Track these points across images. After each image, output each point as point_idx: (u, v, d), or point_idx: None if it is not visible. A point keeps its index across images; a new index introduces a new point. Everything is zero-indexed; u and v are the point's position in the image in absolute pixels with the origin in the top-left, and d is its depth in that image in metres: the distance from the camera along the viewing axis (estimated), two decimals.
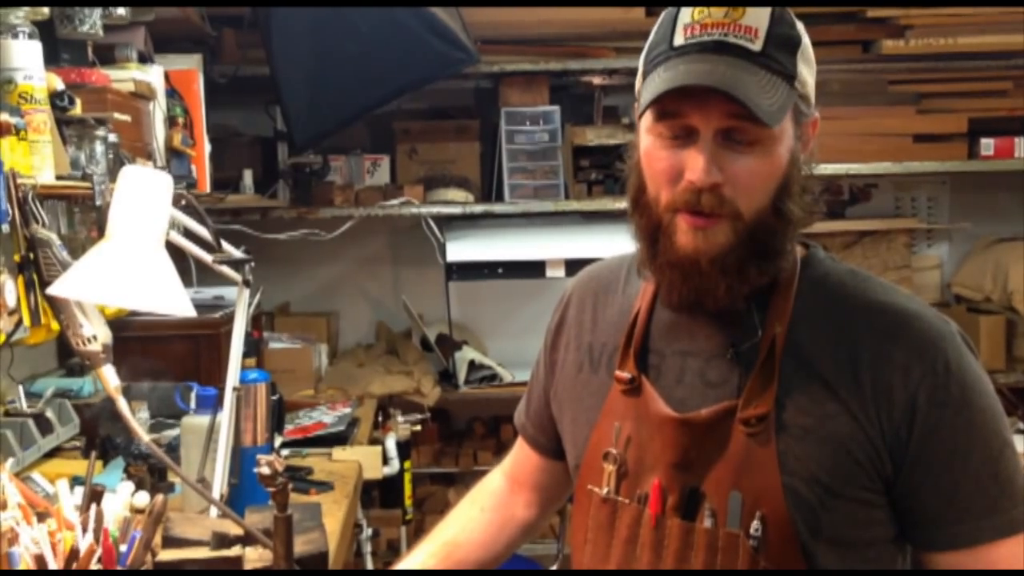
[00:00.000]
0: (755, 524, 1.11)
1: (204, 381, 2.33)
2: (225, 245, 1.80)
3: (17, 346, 2.11)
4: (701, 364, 1.19)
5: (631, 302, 1.28)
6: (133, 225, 1.40)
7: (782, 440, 1.11)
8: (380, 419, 3.15)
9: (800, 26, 1.14)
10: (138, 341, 2.67)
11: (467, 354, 3.56)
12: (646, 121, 1.14)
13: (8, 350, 2.29)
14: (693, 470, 1.15)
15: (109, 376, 1.57)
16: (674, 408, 1.17)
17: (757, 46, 1.08)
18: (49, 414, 2.21)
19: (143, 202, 1.41)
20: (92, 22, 2.25)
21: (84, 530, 1.48)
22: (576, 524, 1.27)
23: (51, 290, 1.39)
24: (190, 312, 1.40)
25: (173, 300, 1.39)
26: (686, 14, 1.11)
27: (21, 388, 2.23)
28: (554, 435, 1.37)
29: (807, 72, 1.14)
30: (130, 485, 1.63)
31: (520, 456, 1.48)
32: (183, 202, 1.81)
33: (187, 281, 3.24)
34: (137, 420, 2.54)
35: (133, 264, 1.38)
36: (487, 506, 1.48)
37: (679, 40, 1.10)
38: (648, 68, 1.13)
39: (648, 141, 1.14)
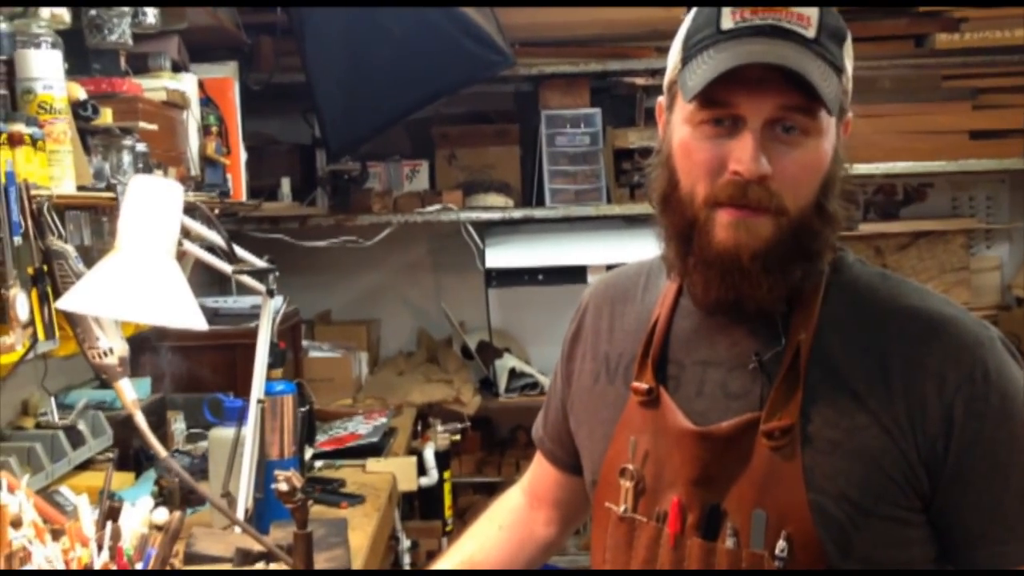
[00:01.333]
0: (781, 544, 1.05)
1: (240, 391, 2.31)
2: (247, 255, 1.77)
3: (50, 358, 2.11)
4: (722, 375, 1.13)
5: (650, 310, 1.22)
6: (142, 236, 1.37)
7: (808, 454, 1.05)
8: (419, 428, 3.11)
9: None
10: (174, 351, 2.67)
11: (507, 362, 3.51)
12: (684, 111, 1.08)
13: (41, 362, 2.29)
14: (714, 487, 1.09)
15: (126, 390, 1.55)
16: (694, 421, 1.11)
17: (811, 33, 1.03)
18: (81, 426, 2.19)
19: (153, 212, 1.38)
20: (121, 31, 2.23)
21: (100, 547, 1.46)
22: (595, 543, 1.22)
23: (59, 304, 1.36)
24: (201, 325, 1.37)
25: (183, 312, 1.35)
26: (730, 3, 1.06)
27: (53, 400, 2.21)
28: (573, 449, 1.31)
29: (851, 68, 1.09)
30: (149, 501, 1.60)
31: (539, 471, 1.43)
32: (212, 212, 1.79)
33: (225, 290, 3.26)
34: (174, 431, 2.55)
35: (142, 276, 1.35)
36: (505, 523, 1.42)
37: (728, 24, 1.04)
38: (690, 53, 1.07)
39: (685, 131, 1.08)
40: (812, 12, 1.04)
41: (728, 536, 1.08)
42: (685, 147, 1.07)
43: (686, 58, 1.07)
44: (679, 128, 1.09)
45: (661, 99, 1.16)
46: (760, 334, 1.11)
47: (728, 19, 1.04)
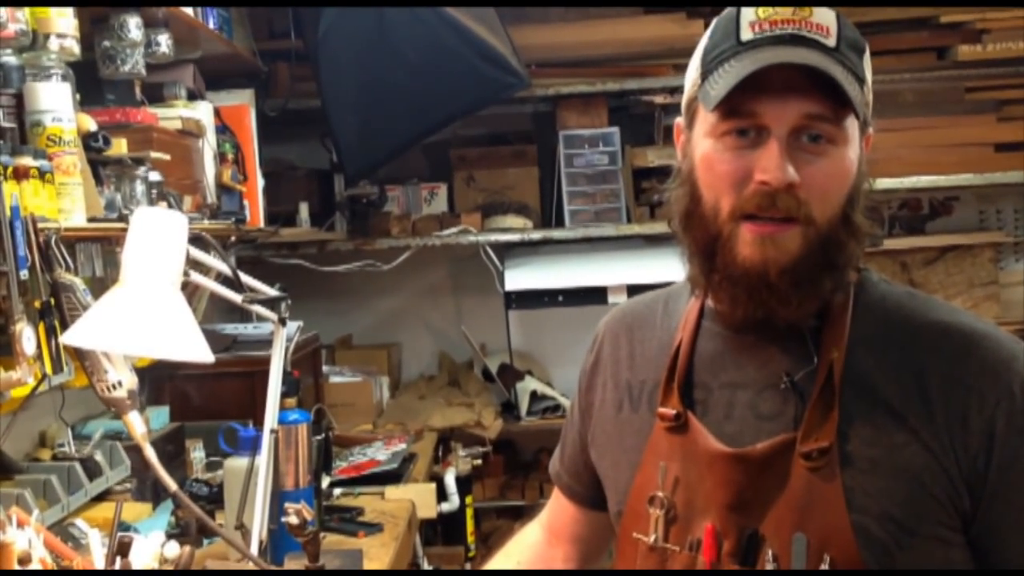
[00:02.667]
0: (823, 568, 1.01)
1: (260, 419, 2.29)
2: (257, 284, 1.75)
3: (68, 389, 2.10)
4: (752, 396, 1.10)
5: (671, 335, 1.19)
6: (147, 268, 1.35)
7: (848, 474, 1.02)
8: (440, 453, 3.08)
9: None
10: (193, 379, 2.66)
11: (529, 384, 3.47)
12: (706, 124, 1.07)
13: (58, 393, 2.28)
14: (750, 511, 1.06)
15: (135, 423, 1.53)
16: (726, 444, 1.08)
17: (831, 42, 1.02)
18: (98, 457, 2.17)
19: (156, 244, 1.36)
20: (134, 61, 2.24)
21: None
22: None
23: (63, 339, 1.35)
24: (207, 358, 1.35)
25: (187, 345, 1.33)
26: (750, 13, 1.05)
27: (70, 431, 2.20)
28: (590, 483, 1.28)
29: (871, 80, 1.08)
30: (161, 535, 1.58)
31: (556, 507, 1.39)
32: (228, 240, 1.78)
33: (246, 316, 3.25)
34: (193, 459, 2.54)
35: (147, 309, 1.33)
36: (524, 560, 1.39)
37: (747, 35, 1.04)
38: (710, 67, 1.05)
39: (707, 145, 1.06)
40: (831, 23, 1.03)
41: (768, 562, 1.04)
42: (708, 160, 1.06)
43: (706, 72, 1.06)
44: (701, 142, 1.08)
45: (679, 120, 1.15)
46: (789, 353, 1.08)
47: (748, 31, 1.04)
